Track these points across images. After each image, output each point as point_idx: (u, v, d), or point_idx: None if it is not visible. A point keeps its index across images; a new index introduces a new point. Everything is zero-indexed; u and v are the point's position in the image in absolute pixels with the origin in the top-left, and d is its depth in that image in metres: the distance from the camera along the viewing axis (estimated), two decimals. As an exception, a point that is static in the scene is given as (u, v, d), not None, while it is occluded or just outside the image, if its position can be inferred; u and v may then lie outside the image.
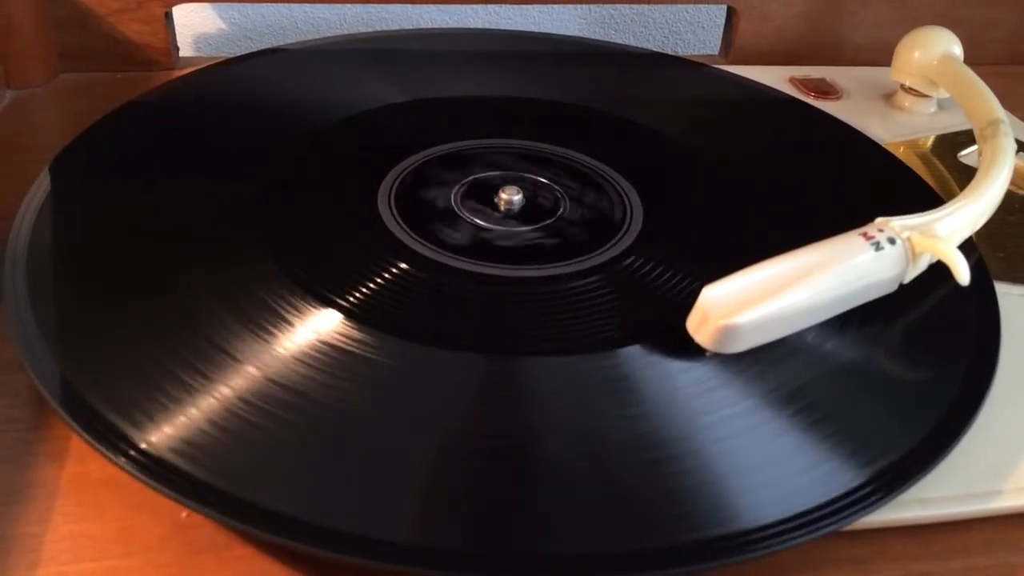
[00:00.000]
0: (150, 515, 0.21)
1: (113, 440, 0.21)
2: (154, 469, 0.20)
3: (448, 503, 0.21)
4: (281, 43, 0.40)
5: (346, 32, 0.49)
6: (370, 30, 0.53)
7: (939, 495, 0.22)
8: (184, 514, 0.21)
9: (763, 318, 0.23)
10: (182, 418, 0.21)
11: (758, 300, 0.23)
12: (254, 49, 0.39)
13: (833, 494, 0.21)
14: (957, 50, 0.39)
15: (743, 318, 0.23)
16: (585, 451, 0.22)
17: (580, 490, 0.21)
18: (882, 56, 0.42)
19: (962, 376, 0.25)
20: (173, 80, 0.36)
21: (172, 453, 0.21)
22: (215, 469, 0.20)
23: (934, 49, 0.39)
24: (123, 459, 0.20)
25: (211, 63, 0.38)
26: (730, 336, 0.23)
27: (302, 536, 0.19)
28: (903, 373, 0.25)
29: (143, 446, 0.21)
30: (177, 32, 0.42)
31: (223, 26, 0.53)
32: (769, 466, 0.22)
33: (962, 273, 0.25)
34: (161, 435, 0.21)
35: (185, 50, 0.51)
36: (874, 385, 0.25)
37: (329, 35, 0.42)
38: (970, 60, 0.39)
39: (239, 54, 0.39)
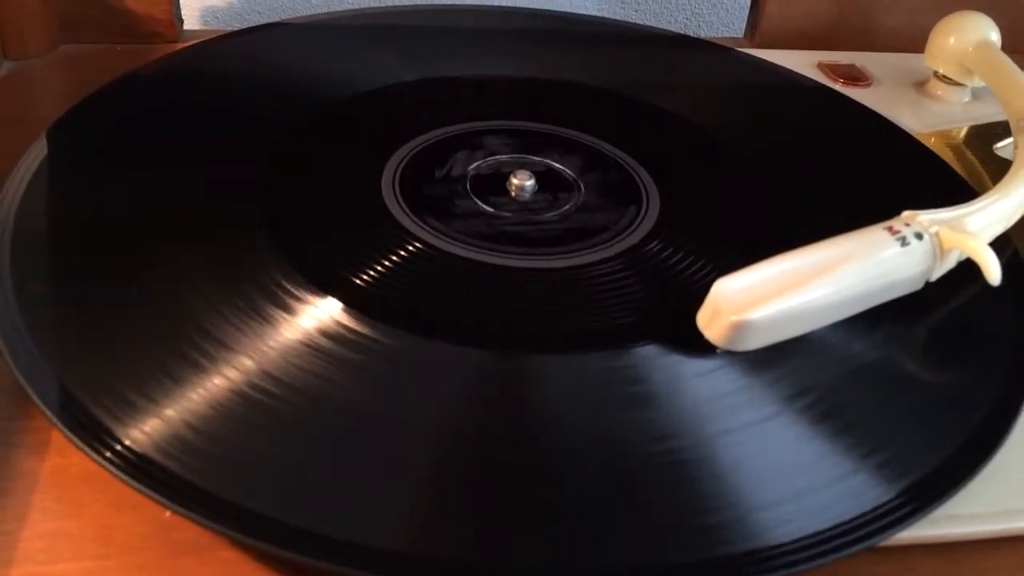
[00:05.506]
0: (132, 513, 0.20)
1: (95, 435, 0.20)
2: (138, 468, 0.19)
3: (450, 511, 0.19)
4: (291, 18, 0.39)
5: (359, 7, 0.48)
6: (383, 5, 0.52)
7: (972, 511, 0.21)
8: (167, 513, 0.20)
9: (777, 315, 0.22)
10: (170, 412, 0.20)
11: (773, 295, 0.22)
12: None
13: (860, 510, 0.20)
14: (995, 37, 0.38)
15: (756, 314, 0.22)
16: (593, 457, 0.21)
17: (589, 499, 0.20)
18: (915, 42, 0.41)
19: (998, 382, 0.24)
20: (174, 53, 0.35)
21: (158, 451, 0.19)
22: (203, 468, 0.19)
23: (970, 35, 0.38)
24: (105, 456, 0.19)
25: (214, 36, 0.37)
26: (742, 333, 0.22)
27: (290, 542, 0.18)
28: (934, 379, 0.24)
29: (127, 442, 0.20)
30: (183, 4, 0.41)
31: (231, -1, 0.52)
32: (790, 477, 0.21)
33: (992, 271, 0.24)
34: (147, 431, 0.20)
35: (191, 23, 0.50)
36: (903, 391, 0.24)
37: (341, 10, 0.41)
38: (1008, 48, 0.38)
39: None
